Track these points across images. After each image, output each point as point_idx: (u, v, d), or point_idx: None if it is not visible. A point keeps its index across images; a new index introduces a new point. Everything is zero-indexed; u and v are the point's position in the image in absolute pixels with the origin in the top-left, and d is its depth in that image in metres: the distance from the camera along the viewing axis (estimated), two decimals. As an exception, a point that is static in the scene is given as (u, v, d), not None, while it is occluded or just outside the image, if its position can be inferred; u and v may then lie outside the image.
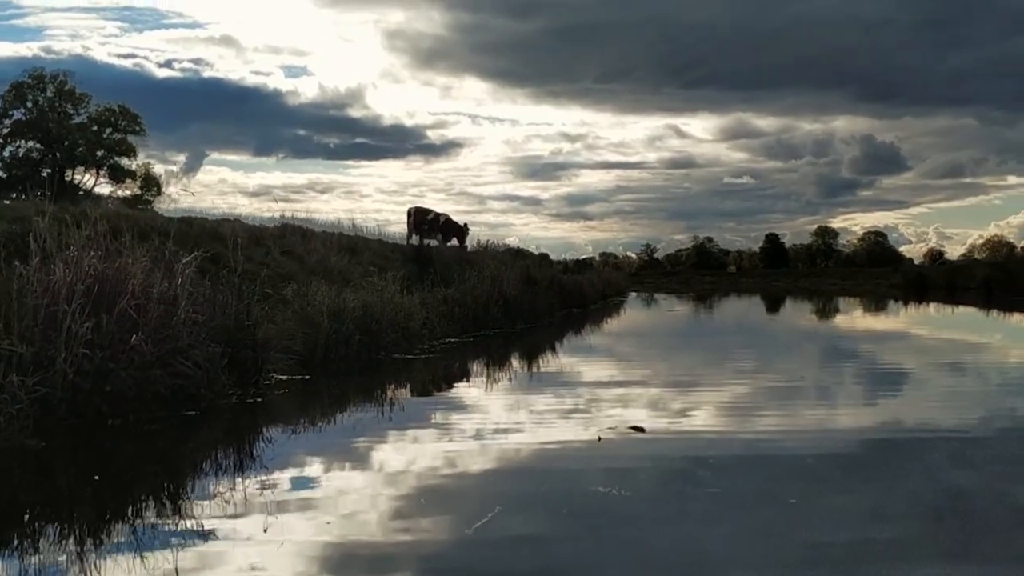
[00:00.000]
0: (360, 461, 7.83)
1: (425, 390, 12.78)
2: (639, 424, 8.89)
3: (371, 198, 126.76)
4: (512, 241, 41.35)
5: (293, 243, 22.01)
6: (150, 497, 6.66)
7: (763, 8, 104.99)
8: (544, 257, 68.76)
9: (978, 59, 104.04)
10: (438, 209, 33.42)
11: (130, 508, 6.39)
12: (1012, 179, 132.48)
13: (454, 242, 31.90)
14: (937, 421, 9.84)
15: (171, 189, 52.12)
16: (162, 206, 25.67)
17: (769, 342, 22.81)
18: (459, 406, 11.00)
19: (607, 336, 23.97)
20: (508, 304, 22.04)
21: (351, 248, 24.98)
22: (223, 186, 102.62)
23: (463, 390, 12.63)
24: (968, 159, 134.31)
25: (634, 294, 60.20)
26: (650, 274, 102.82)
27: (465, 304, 20.06)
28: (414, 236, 31.48)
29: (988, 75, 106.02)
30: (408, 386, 12.93)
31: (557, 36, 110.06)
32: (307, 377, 12.15)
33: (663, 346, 22.08)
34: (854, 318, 35.13)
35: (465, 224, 32.74)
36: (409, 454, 8.06)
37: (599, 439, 8.30)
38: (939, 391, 12.71)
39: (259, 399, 10.38)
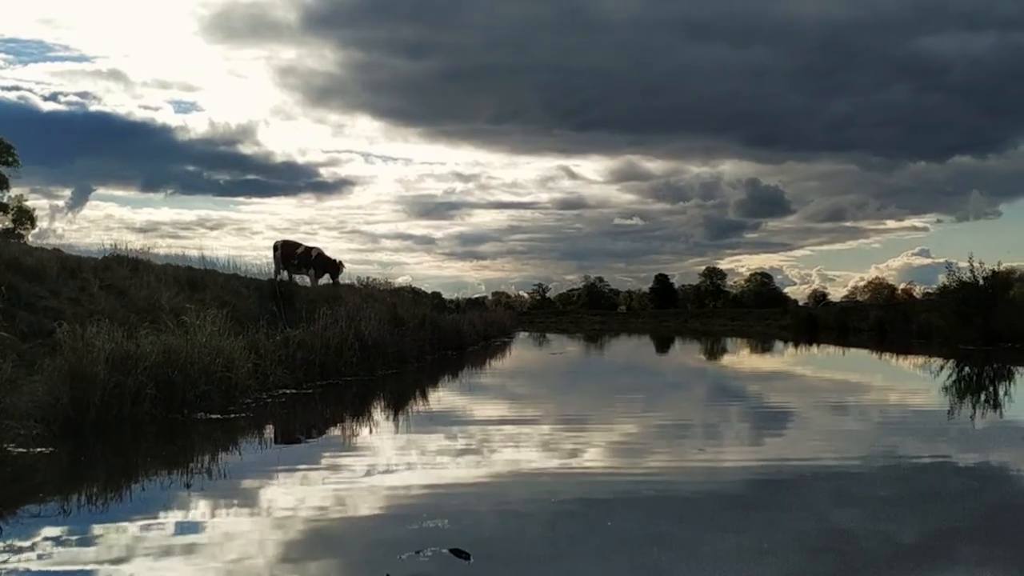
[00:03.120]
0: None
1: (207, 464, 9.81)
2: (462, 549, 6.11)
3: (262, 235, 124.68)
4: (405, 280, 38.92)
5: (118, 277, 19.05)
6: None
7: (651, 54, 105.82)
8: (436, 296, 67.14)
9: (858, 107, 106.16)
10: (331, 247, 30.89)
11: None
12: (891, 223, 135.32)
13: (327, 279, 29.31)
14: (820, 459, 10.03)
15: (56, 224, 48.67)
16: (45, 241, 23.07)
17: (658, 387, 20.56)
18: (238, 489, 8.35)
19: (479, 382, 21.41)
20: (367, 347, 19.40)
21: (194, 283, 22.11)
22: (109, 222, 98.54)
23: (256, 463, 9.88)
24: (849, 203, 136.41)
25: (525, 334, 58.19)
26: (540, 314, 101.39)
27: (312, 347, 17.34)
28: (282, 272, 28.84)
29: (868, 122, 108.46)
30: (192, 458, 10.08)
31: (450, 77, 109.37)
32: (52, 450, 9.28)
33: (540, 393, 19.59)
34: (748, 361, 33.41)
35: (339, 260, 30.12)
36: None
37: (387, 577, 5.67)
38: (823, 430, 12.89)
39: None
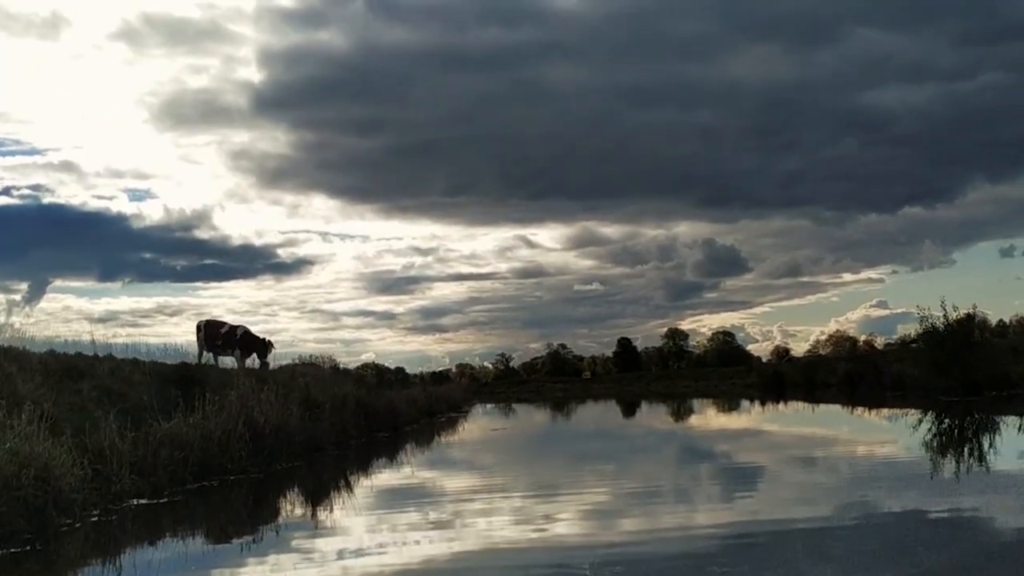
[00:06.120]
0: None
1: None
2: None
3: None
4: (368, 357, 36.43)
5: (-33, 368, 16.12)
6: None
7: (599, 120, 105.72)
8: (400, 371, 64.45)
9: (808, 163, 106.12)
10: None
11: None
12: (847, 276, 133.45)
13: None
14: (793, 516, 10.11)
15: (13, 318, 46.05)
16: (14, 336, 20.93)
17: (626, 454, 17.82)
18: None
19: (402, 470, 18.45)
20: (262, 437, 16.51)
21: (73, 372, 19.18)
22: (68, 313, 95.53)
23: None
24: (804, 259, 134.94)
25: (490, 405, 55.62)
26: (502, 384, 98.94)
27: (186, 442, 14.44)
28: (206, 353, 26.32)
29: (818, 178, 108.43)
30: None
31: (402, 153, 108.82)
32: None
33: (462, 493, 16.62)
34: (717, 434, 30.85)
35: (268, 339, 27.81)
36: None
37: None
38: (801, 488, 12.75)
39: None
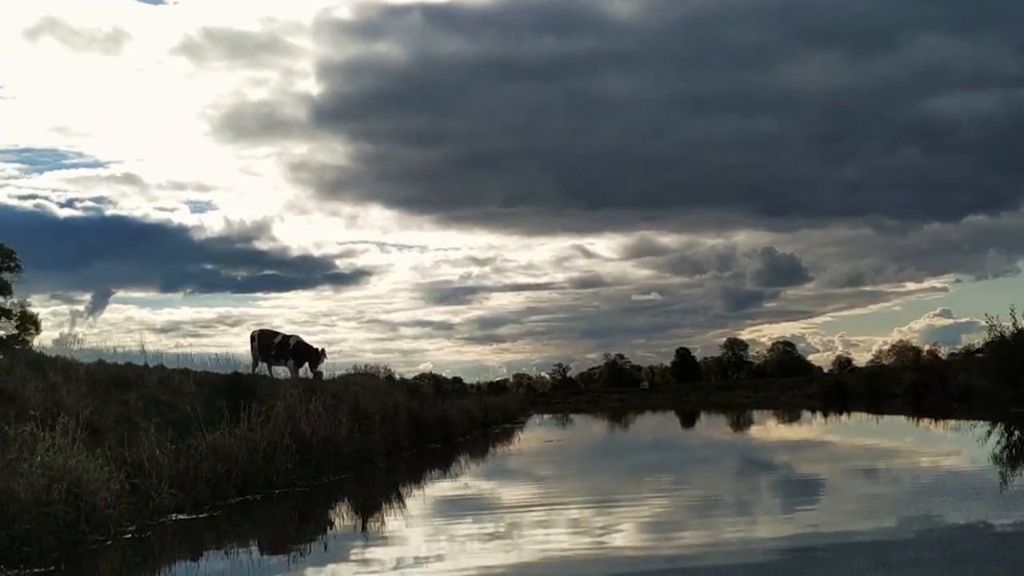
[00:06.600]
0: None
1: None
2: None
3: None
4: (426, 367, 36.30)
5: (14, 378, 16.00)
6: None
7: (657, 129, 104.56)
8: (457, 381, 64.25)
9: (869, 171, 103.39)
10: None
11: None
12: (911, 285, 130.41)
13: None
14: (856, 528, 9.98)
15: (77, 329, 46.55)
16: (72, 347, 21.18)
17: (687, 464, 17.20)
18: None
19: (451, 483, 18.01)
20: (309, 448, 16.18)
21: (121, 382, 19.04)
22: (130, 324, 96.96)
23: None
24: (867, 268, 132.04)
25: (547, 416, 55.13)
26: (559, 394, 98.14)
27: (230, 455, 14.13)
28: (260, 363, 26.41)
29: (880, 186, 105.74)
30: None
31: (460, 164, 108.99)
32: None
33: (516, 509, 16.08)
34: (778, 445, 30.02)
35: (321, 348, 27.90)
36: None
37: None
38: (864, 500, 12.48)
39: None
